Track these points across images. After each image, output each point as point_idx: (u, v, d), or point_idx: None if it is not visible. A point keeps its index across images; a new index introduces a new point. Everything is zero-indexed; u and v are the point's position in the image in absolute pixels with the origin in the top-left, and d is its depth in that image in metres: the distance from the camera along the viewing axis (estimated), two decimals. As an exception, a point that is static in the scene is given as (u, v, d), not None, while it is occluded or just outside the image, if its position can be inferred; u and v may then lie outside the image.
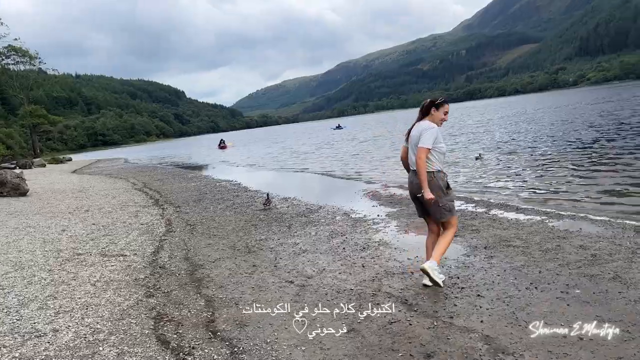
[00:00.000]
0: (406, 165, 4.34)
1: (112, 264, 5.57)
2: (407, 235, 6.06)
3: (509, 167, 11.77)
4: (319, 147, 30.50)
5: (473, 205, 7.59)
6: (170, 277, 5.04)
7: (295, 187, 12.99)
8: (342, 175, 14.08)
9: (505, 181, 9.93)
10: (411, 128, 4.20)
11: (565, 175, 9.62)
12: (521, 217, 6.46)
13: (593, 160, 11.22)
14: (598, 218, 5.88)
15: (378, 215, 7.50)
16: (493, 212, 6.85)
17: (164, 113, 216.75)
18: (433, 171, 4.01)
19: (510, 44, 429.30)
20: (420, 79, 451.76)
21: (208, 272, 5.20)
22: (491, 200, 7.75)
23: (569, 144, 14.56)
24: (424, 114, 4.15)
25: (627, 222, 5.50)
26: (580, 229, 5.44)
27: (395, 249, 5.48)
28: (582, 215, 6.17)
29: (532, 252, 4.74)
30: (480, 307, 3.57)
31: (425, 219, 4.34)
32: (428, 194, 3.89)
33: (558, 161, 11.73)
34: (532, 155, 13.39)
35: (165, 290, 4.54)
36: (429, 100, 4.19)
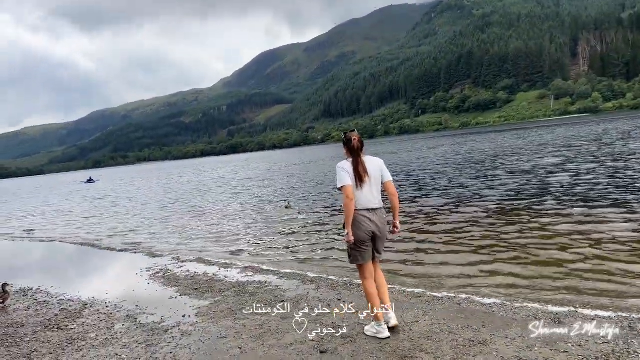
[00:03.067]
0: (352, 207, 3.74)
1: None
2: (246, 356, 3.80)
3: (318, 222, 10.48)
4: (73, 204, 25.08)
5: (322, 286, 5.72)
6: None
7: (40, 267, 9.17)
8: (111, 245, 10.47)
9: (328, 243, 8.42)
10: (358, 166, 3.77)
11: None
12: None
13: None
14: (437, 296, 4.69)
15: (184, 316, 4.99)
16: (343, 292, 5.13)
17: None
18: None
19: (266, 102, 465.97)
20: (184, 131, 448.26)
21: None
22: (334, 277, 6.06)
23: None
24: (361, 149, 3.83)
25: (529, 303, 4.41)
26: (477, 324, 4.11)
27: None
28: (439, 295, 4.92)
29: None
30: None
31: (370, 261, 3.94)
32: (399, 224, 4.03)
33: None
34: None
35: None
36: (356, 136, 3.82)
